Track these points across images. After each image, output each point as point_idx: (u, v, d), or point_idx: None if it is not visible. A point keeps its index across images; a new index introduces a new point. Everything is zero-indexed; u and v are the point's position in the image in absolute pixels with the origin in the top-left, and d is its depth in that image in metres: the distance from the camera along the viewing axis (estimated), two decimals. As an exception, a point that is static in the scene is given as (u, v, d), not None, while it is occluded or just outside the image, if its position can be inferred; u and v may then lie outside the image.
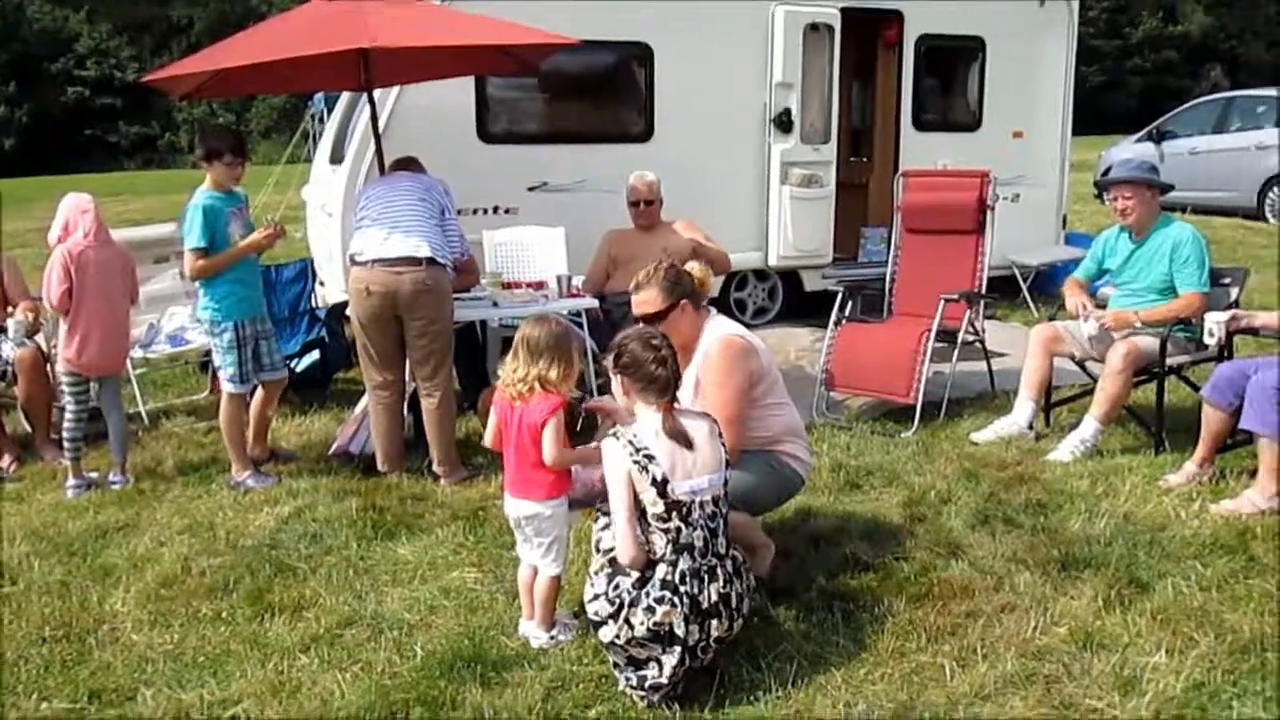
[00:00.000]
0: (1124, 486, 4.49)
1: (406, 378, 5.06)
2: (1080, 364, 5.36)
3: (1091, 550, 3.86)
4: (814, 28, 7.70)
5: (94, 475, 5.05)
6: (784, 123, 7.67)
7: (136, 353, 6.20)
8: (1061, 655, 3.18)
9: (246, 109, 42.68)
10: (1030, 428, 5.26)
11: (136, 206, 19.06)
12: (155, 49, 43.52)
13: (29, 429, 5.60)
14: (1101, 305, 5.38)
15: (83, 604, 3.75)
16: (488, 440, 3.48)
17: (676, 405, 3.12)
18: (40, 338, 5.58)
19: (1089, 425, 4.96)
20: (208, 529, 4.42)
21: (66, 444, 4.95)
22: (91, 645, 3.46)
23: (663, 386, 3.06)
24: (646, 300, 3.62)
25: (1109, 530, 4.03)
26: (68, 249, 4.80)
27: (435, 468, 4.91)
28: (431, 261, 4.79)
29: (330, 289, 7.14)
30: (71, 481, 4.94)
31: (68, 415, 4.97)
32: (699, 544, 3.01)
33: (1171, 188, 5.26)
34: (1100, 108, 31.77)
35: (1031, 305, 8.24)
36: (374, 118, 5.77)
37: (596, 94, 7.66)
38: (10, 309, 5.67)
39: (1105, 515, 4.17)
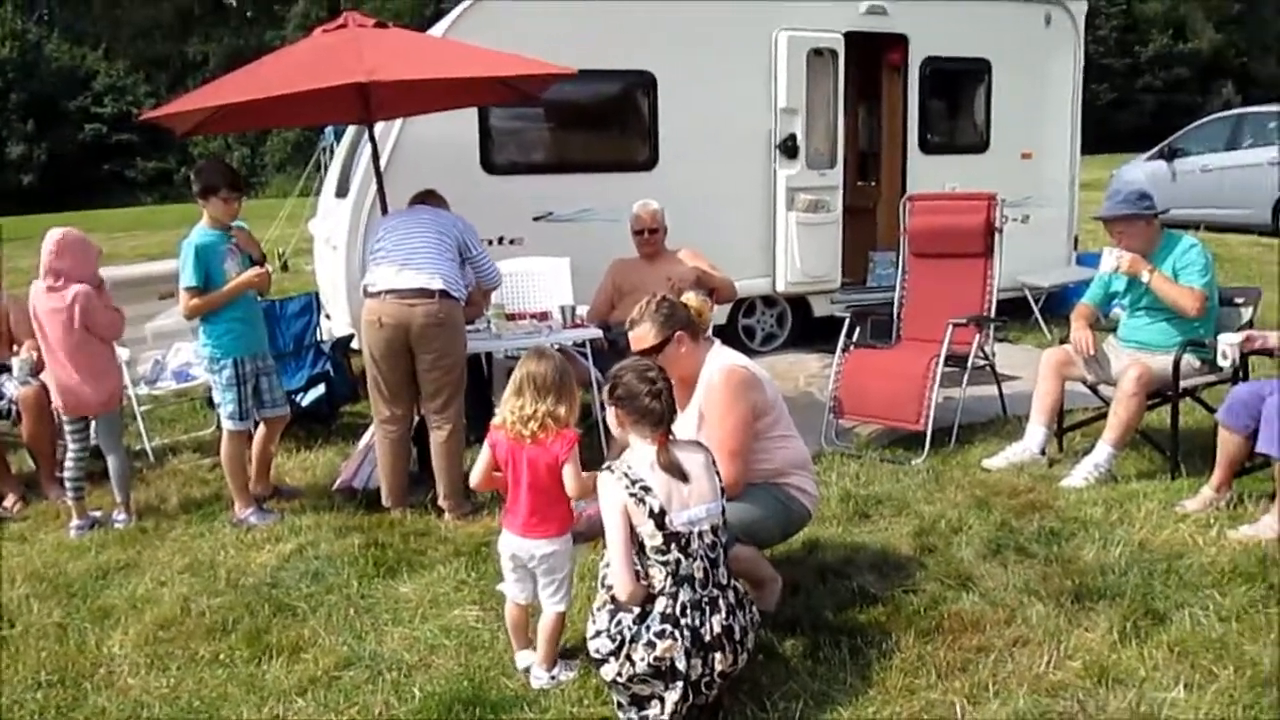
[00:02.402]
0: (1139, 513, 4.39)
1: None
2: (1092, 388, 5.27)
3: (1106, 580, 3.77)
4: (818, 53, 7.68)
5: (98, 514, 5.02)
6: (789, 148, 7.63)
7: (142, 389, 6.20)
8: (1076, 692, 3.09)
9: (261, 142, 43.09)
10: (1043, 453, 5.17)
11: (151, 241, 19.18)
12: (171, 85, 44.01)
13: (35, 467, 5.58)
14: (1112, 328, 5.32)
15: (80, 647, 3.71)
16: (475, 481, 3.43)
17: (671, 438, 3.07)
18: (45, 376, 5.56)
19: (1102, 450, 4.87)
20: (209, 568, 4.38)
21: (68, 484, 4.93)
22: (87, 690, 3.42)
23: (657, 419, 3.00)
24: (641, 336, 3.57)
25: (1124, 559, 3.94)
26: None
27: (440, 502, 4.86)
28: (445, 294, 4.77)
29: (336, 322, 7.12)
30: (75, 522, 4.91)
31: (69, 456, 4.95)
32: (699, 575, 2.96)
33: (1163, 212, 5.15)
34: (1112, 126, 31.77)
35: (1044, 327, 8.16)
36: (375, 152, 5.76)
37: (600, 123, 7.66)
38: (15, 348, 5.68)
39: (1120, 543, 4.08)
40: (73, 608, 4.05)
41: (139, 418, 6.06)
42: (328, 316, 7.24)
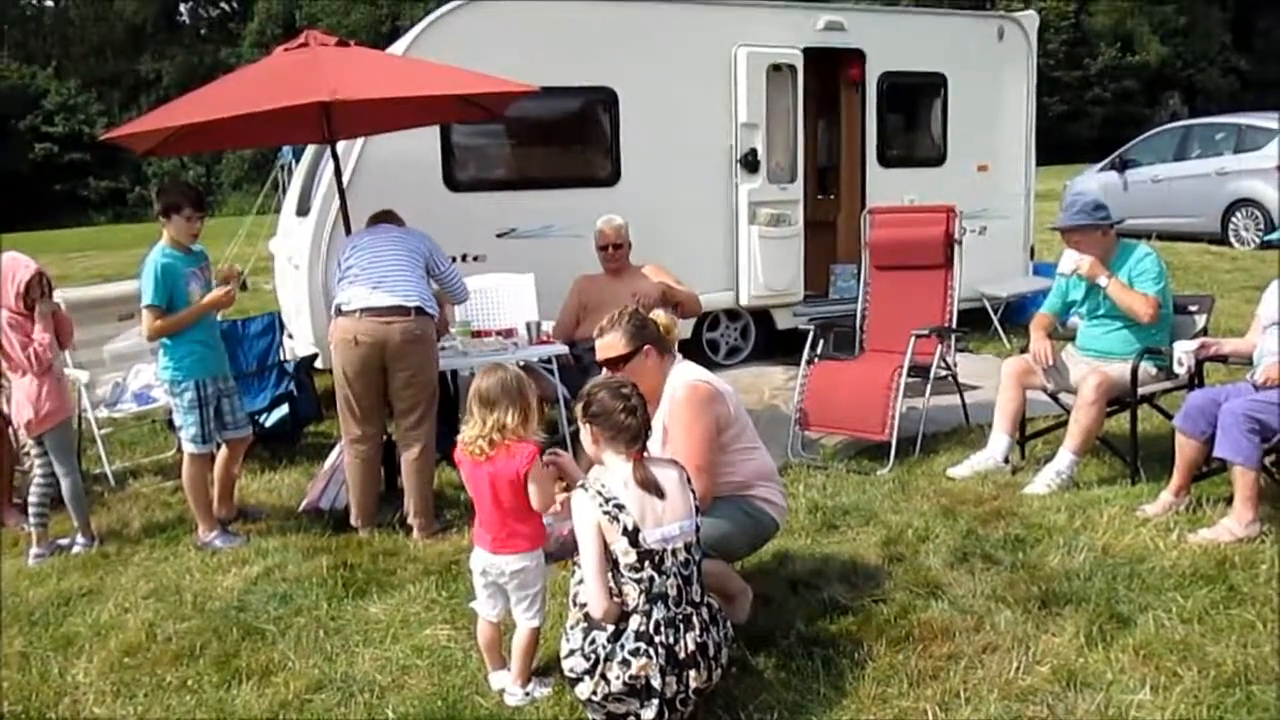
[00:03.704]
0: (1101, 519, 4.46)
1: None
2: (1053, 395, 5.35)
3: (1071, 585, 3.82)
4: (777, 68, 7.75)
5: (64, 542, 4.92)
6: (750, 163, 7.69)
7: (102, 412, 6.11)
8: (1045, 696, 3.13)
9: (217, 161, 42.69)
10: (1006, 461, 5.24)
11: (104, 261, 18.94)
12: (124, 103, 43.54)
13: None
14: (1070, 336, 5.41)
15: (44, 676, 3.64)
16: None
17: (646, 454, 3.08)
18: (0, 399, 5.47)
19: (1064, 457, 4.94)
20: (174, 592, 4.31)
21: (33, 511, 4.84)
22: (52, 720, 3.36)
23: (632, 436, 3.02)
24: (610, 345, 3.59)
25: (1088, 564, 4.00)
26: None
27: (410, 519, 4.83)
28: (420, 311, 4.78)
29: (298, 342, 7.07)
30: (35, 549, 4.81)
31: (35, 481, 4.87)
32: (673, 593, 2.97)
33: (1117, 222, 5.26)
34: (1063, 138, 32.29)
35: (1003, 337, 8.27)
36: (337, 171, 5.74)
37: (563, 139, 7.67)
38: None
39: (1084, 549, 4.14)
40: (34, 636, 3.97)
41: (99, 441, 5.97)
42: (290, 336, 7.19)
